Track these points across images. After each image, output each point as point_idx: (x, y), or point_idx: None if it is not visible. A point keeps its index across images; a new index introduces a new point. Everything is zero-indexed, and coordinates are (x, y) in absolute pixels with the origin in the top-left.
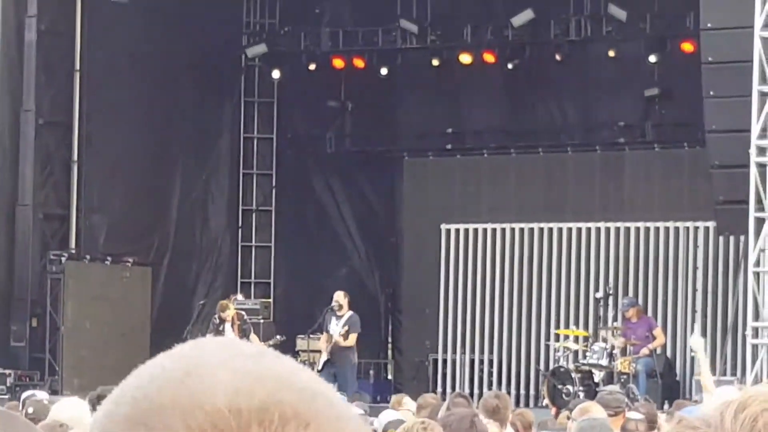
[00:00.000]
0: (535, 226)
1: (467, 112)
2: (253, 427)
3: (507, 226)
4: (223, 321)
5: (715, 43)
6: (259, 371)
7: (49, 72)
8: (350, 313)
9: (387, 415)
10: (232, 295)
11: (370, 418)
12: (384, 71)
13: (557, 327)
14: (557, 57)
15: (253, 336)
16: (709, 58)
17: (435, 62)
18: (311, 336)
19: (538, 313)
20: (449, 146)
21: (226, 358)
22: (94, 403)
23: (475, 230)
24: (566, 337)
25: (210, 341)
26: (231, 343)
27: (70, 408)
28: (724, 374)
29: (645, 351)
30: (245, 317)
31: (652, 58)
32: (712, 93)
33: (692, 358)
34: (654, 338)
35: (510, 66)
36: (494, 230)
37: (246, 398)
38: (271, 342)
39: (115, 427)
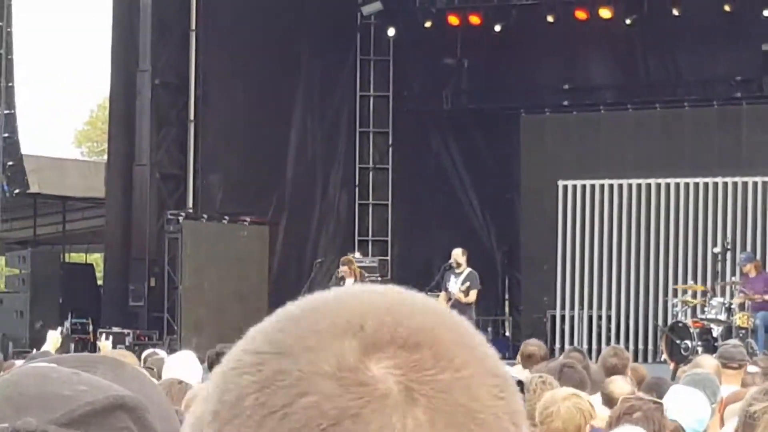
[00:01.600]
0: (653, 181)
1: (583, 69)
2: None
3: (624, 182)
4: (344, 277)
5: None
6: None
7: (165, 32)
8: (469, 270)
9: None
10: (350, 253)
11: None
12: (499, 27)
13: (675, 282)
14: (674, 12)
15: None
16: None
17: (550, 18)
18: (429, 293)
19: (656, 269)
20: (566, 102)
21: (363, 290)
22: (213, 360)
23: (592, 186)
24: (684, 292)
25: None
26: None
27: (181, 364)
28: None
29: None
30: (365, 275)
31: None
32: None
33: None
34: None
35: (626, 21)
36: (611, 186)
37: (399, 318)
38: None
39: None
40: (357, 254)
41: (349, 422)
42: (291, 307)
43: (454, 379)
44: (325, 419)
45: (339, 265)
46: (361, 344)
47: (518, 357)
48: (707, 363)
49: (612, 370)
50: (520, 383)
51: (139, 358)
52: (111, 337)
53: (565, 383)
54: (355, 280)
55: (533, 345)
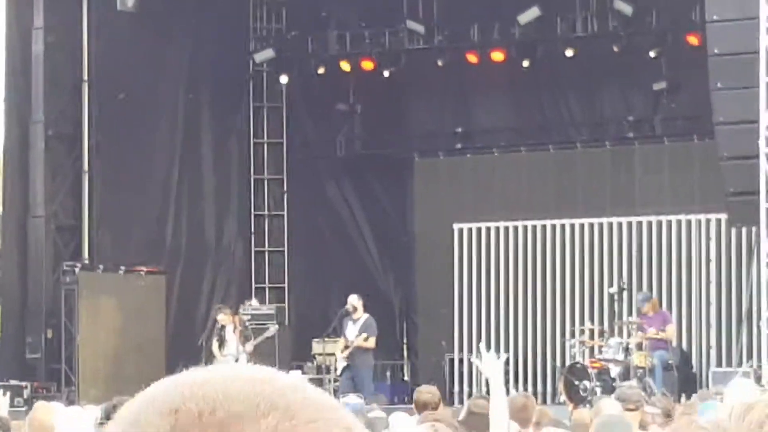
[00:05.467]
0: (548, 222)
1: (476, 111)
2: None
3: (519, 223)
4: (224, 325)
5: (720, 35)
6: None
7: (57, 82)
8: (366, 315)
9: (400, 418)
10: (247, 300)
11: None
12: (388, 73)
13: (572, 323)
14: (566, 53)
15: (249, 344)
16: (715, 50)
17: (441, 63)
18: (326, 339)
19: (552, 310)
20: (459, 146)
21: (208, 375)
22: (110, 412)
23: (488, 228)
24: (582, 332)
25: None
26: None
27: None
28: (740, 364)
29: (653, 332)
30: (246, 323)
31: (658, 52)
32: (719, 85)
33: (708, 350)
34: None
35: (518, 64)
36: (506, 228)
37: (226, 398)
38: (266, 334)
39: None
40: (254, 301)
41: None
42: (153, 385)
43: None
44: None
45: (216, 312)
46: (171, 427)
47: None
48: (610, 406)
49: (520, 410)
50: None
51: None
52: (8, 393)
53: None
54: (235, 327)
55: (427, 392)
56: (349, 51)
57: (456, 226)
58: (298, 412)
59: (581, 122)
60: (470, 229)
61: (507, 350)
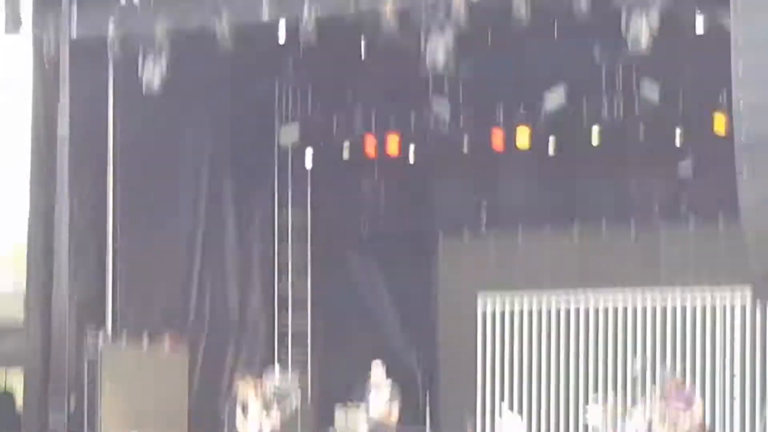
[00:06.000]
0: (572, 298)
1: (501, 194)
2: None
3: (543, 305)
4: (246, 395)
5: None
6: None
7: (81, 166)
8: (389, 382)
9: None
10: (269, 369)
11: None
12: (414, 155)
13: (596, 393)
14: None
15: (272, 413)
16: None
17: (465, 148)
18: (350, 404)
19: (576, 388)
20: (484, 222)
21: None
22: None
23: (512, 306)
24: (605, 400)
25: None
26: None
27: None
28: None
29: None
30: (271, 393)
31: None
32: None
33: (732, 424)
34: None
35: (544, 151)
36: (530, 311)
37: None
38: (289, 404)
39: None
40: (276, 372)
41: None
42: None
43: None
44: None
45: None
46: None
47: None
48: None
49: None
50: None
51: None
52: None
53: None
54: (258, 396)
55: None
56: (374, 131)
57: (480, 302)
58: None
59: (606, 207)
60: (494, 307)
61: (530, 421)
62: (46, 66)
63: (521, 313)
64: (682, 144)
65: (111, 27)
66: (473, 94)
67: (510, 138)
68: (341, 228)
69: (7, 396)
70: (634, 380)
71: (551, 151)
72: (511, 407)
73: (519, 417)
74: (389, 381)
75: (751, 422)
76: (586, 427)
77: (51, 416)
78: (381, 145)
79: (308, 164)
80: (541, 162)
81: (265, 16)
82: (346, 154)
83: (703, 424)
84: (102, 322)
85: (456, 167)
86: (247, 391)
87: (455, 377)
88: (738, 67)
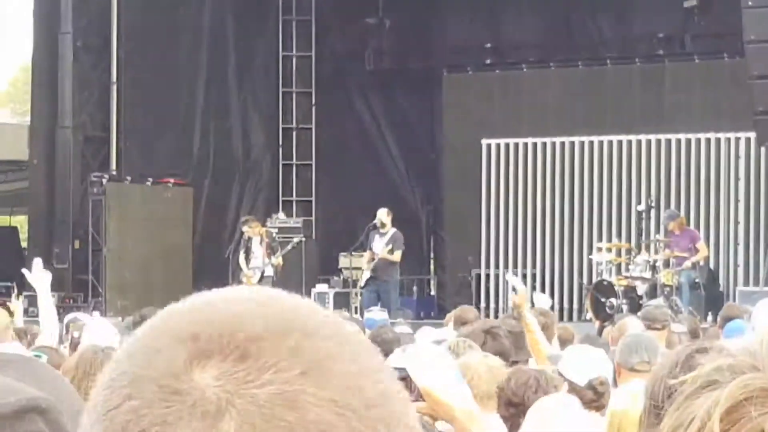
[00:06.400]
0: (576, 139)
1: (506, 27)
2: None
3: (548, 140)
4: (250, 237)
5: None
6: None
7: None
8: (393, 230)
9: (426, 332)
10: (274, 213)
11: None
12: None
13: (599, 240)
14: None
15: (275, 258)
16: None
17: None
18: (353, 253)
19: (580, 227)
20: (488, 61)
21: (226, 297)
22: (138, 324)
23: (516, 145)
24: (609, 250)
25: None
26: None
27: (100, 329)
28: (767, 283)
29: (688, 264)
30: (274, 235)
31: None
32: (750, 3)
33: (735, 269)
34: (697, 251)
35: None
36: (535, 144)
37: (245, 320)
38: (289, 246)
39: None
40: (281, 215)
41: (157, 430)
42: (161, 311)
43: (277, 393)
44: (138, 426)
45: (242, 224)
46: (190, 352)
47: (448, 318)
48: (633, 324)
49: (541, 329)
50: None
51: (61, 322)
52: (24, 298)
53: (486, 350)
54: (262, 240)
55: (470, 312)
56: None
57: (484, 142)
58: (316, 331)
59: (610, 39)
60: (498, 145)
61: (534, 267)
62: None
63: (525, 146)
64: None
65: None
66: None
67: None
68: (346, 69)
69: (12, 230)
70: (639, 216)
71: None
72: (515, 264)
73: (545, 295)
74: (394, 229)
75: (755, 268)
76: (590, 264)
77: (55, 255)
78: None
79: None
80: None
81: None
82: None
83: (707, 258)
84: (107, 163)
85: None
86: (251, 234)
87: (460, 221)
88: None
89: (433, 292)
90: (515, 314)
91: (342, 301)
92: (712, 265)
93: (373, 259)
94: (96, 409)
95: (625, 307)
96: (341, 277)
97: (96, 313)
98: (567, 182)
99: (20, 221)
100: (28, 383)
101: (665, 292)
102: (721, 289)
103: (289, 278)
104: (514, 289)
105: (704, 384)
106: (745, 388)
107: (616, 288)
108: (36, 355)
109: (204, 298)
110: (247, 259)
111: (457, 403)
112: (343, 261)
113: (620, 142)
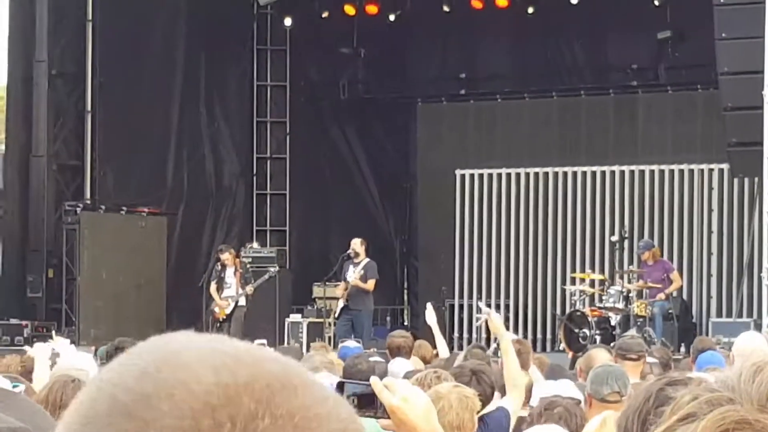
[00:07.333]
0: (550, 170)
1: (480, 57)
2: (244, 399)
3: (521, 170)
4: (224, 266)
5: None
6: (236, 351)
7: (62, 21)
8: (367, 260)
9: (400, 363)
10: (248, 243)
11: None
12: (393, 17)
13: (573, 271)
14: (571, 0)
15: (249, 287)
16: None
17: (446, 8)
18: (327, 283)
19: (553, 258)
20: (462, 91)
21: (200, 345)
22: (112, 355)
23: (490, 175)
24: (582, 280)
25: (178, 334)
26: (199, 335)
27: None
28: (740, 316)
29: (661, 296)
30: (247, 266)
31: (663, 1)
32: (724, 35)
33: (709, 300)
34: (670, 281)
35: (522, 9)
36: (509, 175)
37: (230, 374)
38: (265, 277)
39: (96, 422)
40: (255, 244)
41: None
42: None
43: None
44: None
45: (219, 252)
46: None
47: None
48: (602, 355)
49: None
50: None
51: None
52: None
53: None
54: (236, 270)
55: (400, 337)
56: None
57: (458, 172)
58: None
59: (584, 69)
60: (472, 175)
61: (507, 297)
62: None
63: (499, 176)
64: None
65: None
66: None
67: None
68: (320, 99)
69: None
70: (612, 247)
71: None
72: (488, 296)
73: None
74: (368, 259)
75: (727, 299)
76: (563, 295)
77: (28, 283)
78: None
79: (287, 22)
80: (518, 25)
81: None
82: (326, 14)
83: (681, 289)
84: (81, 191)
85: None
86: (226, 263)
87: (433, 251)
88: None
89: (407, 322)
90: (495, 339)
91: (316, 331)
92: (685, 296)
93: (346, 288)
94: None
95: (598, 338)
96: (315, 307)
97: (67, 341)
98: (541, 213)
99: None
100: (11, 414)
101: (638, 323)
102: (694, 320)
103: (263, 308)
104: (479, 310)
105: (681, 417)
106: (723, 421)
107: (589, 319)
108: (14, 386)
109: (188, 359)
110: (220, 288)
111: (421, 423)
112: (317, 291)
113: (594, 173)
